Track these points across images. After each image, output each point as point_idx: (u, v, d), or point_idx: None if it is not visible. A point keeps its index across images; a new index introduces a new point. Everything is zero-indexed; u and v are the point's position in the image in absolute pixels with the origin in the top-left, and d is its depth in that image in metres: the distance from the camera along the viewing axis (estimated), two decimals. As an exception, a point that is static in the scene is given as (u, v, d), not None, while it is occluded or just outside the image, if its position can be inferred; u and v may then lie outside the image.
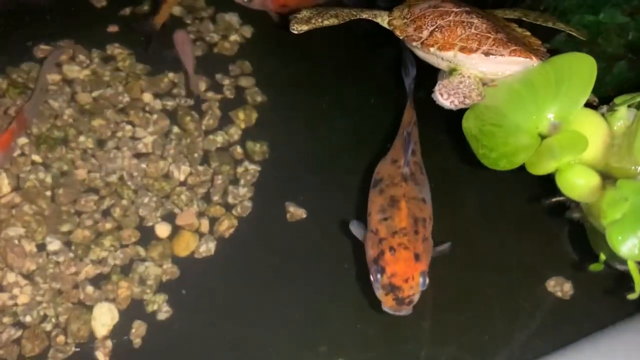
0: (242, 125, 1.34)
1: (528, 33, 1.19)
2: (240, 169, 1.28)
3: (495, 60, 1.09)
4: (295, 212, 1.23)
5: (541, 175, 1.05)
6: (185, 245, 1.19)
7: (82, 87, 1.35)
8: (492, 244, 1.21)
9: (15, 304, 1.10)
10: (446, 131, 1.30)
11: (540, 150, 1.04)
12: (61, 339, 1.08)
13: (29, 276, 1.13)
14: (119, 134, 1.30)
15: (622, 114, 1.02)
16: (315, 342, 1.10)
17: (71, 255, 1.15)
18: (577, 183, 1.00)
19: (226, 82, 1.40)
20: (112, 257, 1.16)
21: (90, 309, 1.11)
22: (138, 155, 1.28)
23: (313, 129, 1.36)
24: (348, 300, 1.13)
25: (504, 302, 1.14)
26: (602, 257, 1.02)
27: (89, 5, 1.50)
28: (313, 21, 1.19)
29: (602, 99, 1.10)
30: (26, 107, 1.27)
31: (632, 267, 0.93)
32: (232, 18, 1.50)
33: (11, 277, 1.12)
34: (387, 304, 0.93)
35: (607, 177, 1.01)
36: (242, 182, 1.27)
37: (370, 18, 1.23)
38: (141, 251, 1.18)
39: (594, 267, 1.04)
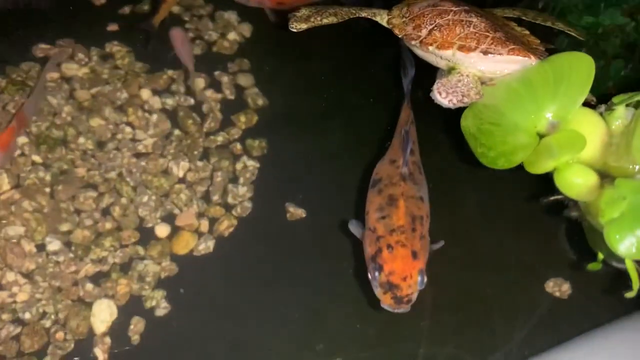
0: (243, 127, 1.35)
1: (527, 32, 1.19)
2: (239, 165, 1.28)
3: (494, 59, 1.09)
4: (295, 211, 1.23)
5: (539, 174, 1.05)
6: (185, 244, 1.19)
7: (81, 84, 1.35)
8: (490, 243, 1.21)
9: (15, 302, 1.10)
10: (444, 130, 1.30)
11: (539, 149, 1.04)
12: (60, 335, 1.08)
13: (28, 275, 1.13)
14: (119, 135, 1.30)
15: (620, 113, 1.03)
16: (314, 341, 1.10)
17: (71, 255, 1.16)
18: (575, 182, 1.01)
19: (225, 80, 1.40)
20: (112, 257, 1.16)
21: (89, 305, 1.11)
22: (138, 155, 1.28)
23: (312, 129, 1.36)
24: (347, 299, 1.14)
25: (503, 301, 1.14)
26: (600, 256, 1.02)
27: (89, 3, 1.50)
28: (312, 20, 1.19)
29: (600, 98, 1.10)
30: (26, 105, 1.27)
31: (629, 265, 0.93)
32: (231, 16, 1.51)
33: (10, 276, 1.13)
34: (386, 302, 0.93)
35: (605, 176, 1.01)
36: (241, 180, 1.27)
37: (369, 16, 1.23)
38: (140, 250, 1.18)
39: (592, 266, 1.04)
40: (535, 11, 1.30)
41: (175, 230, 1.20)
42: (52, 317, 1.10)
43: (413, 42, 1.15)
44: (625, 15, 1.24)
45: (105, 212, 1.21)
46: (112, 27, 1.46)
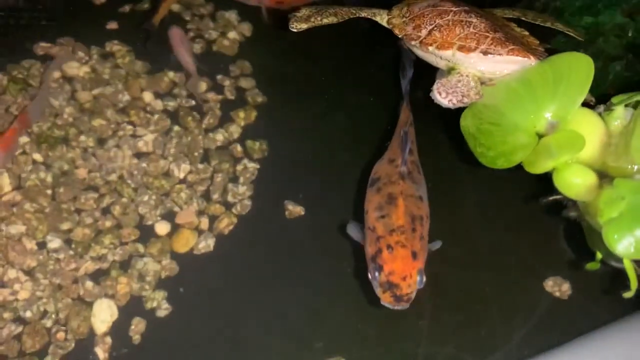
0: (242, 124, 1.35)
1: (526, 32, 1.20)
2: (239, 167, 1.29)
3: (494, 59, 1.09)
4: (294, 209, 1.23)
5: (539, 174, 1.05)
6: (185, 242, 1.19)
7: (82, 85, 1.35)
8: (489, 242, 1.21)
9: (16, 300, 1.11)
10: (444, 130, 1.30)
11: (538, 149, 1.04)
12: (61, 335, 1.08)
13: (29, 272, 1.14)
14: (120, 133, 1.30)
15: (619, 114, 1.03)
16: (314, 340, 1.10)
17: (71, 252, 1.16)
18: (574, 182, 1.01)
19: (226, 80, 1.40)
20: (112, 254, 1.17)
21: (90, 305, 1.11)
22: (138, 155, 1.28)
23: (312, 128, 1.36)
24: (347, 298, 1.14)
25: (502, 301, 1.14)
26: (599, 255, 1.03)
27: (89, 2, 1.50)
28: (312, 19, 1.19)
29: (599, 98, 1.11)
30: (30, 107, 1.27)
31: (628, 265, 0.94)
32: (232, 16, 1.51)
33: (12, 273, 1.13)
34: (386, 300, 0.93)
35: (604, 176, 1.01)
36: (241, 180, 1.27)
37: (369, 17, 1.24)
38: (140, 248, 1.18)
39: (591, 266, 1.04)
40: (534, 12, 1.30)
41: (175, 228, 1.21)
42: (53, 316, 1.10)
43: (413, 42, 1.15)
44: (624, 15, 1.25)
45: (106, 211, 1.21)
46: (112, 25, 1.46)
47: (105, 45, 1.42)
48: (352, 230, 1.08)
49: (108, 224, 1.20)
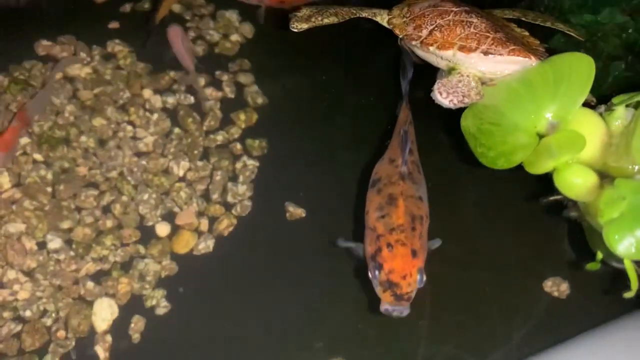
0: (243, 126, 1.35)
1: (527, 33, 1.20)
2: (239, 165, 1.29)
3: (494, 59, 1.09)
4: (295, 211, 1.23)
5: (539, 174, 1.05)
6: (185, 243, 1.19)
7: (84, 84, 1.36)
8: (489, 242, 1.21)
9: (16, 299, 1.11)
10: (444, 130, 1.30)
11: (539, 149, 1.04)
12: (61, 333, 1.08)
13: (29, 273, 1.14)
14: (120, 134, 1.30)
15: (620, 114, 1.03)
16: (314, 340, 1.10)
17: (72, 253, 1.16)
18: (575, 182, 1.01)
19: (225, 79, 1.40)
20: (113, 255, 1.17)
21: (90, 304, 1.11)
22: (139, 154, 1.29)
23: (312, 128, 1.36)
24: (347, 299, 1.14)
25: (502, 301, 1.14)
26: (599, 255, 1.03)
27: (90, 2, 1.50)
28: (313, 19, 1.19)
29: (600, 98, 1.11)
30: (28, 105, 1.27)
31: (628, 265, 0.94)
32: (232, 15, 1.51)
33: (11, 274, 1.13)
34: (386, 300, 0.93)
35: (605, 176, 1.01)
36: (241, 178, 1.27)
37: (369, 17, 1.24)
38: (141, 249, 1.18)
39: (591, 266, 1.04)
40: (535, 12, 1.30)
41: (176, 230, 1.21)
42: (53, 315, 1.10)
43: (414, 42, 1.15)
44: (624, 15, 1.25)
45: (106, 209, 1.22)
46: (114, 25, 1.46)
47: (107, 45, 1.42)
48: (343, 243, 1.08)
49: (109, 224, 1.20)
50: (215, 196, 1.25)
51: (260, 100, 1.38)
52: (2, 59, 1.37)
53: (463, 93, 1.09)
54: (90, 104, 1.33)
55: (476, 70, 1.11)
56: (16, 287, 1.12)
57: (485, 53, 1.09)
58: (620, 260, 0.95)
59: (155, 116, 1.33)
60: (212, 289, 1.15)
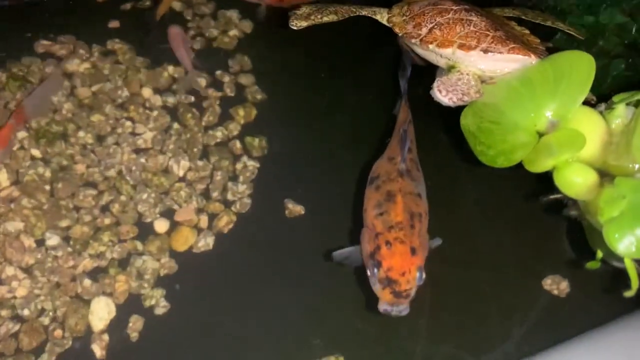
0: (242, 122, 1.34)
1: (527, 31, 1.20)
2: (239, 165, 1.28)
3: (494, 57, 1.09)
4: (294, 208, 1.23)
5: (539, 172, 1.05)
6: (184, 240, 1.19)
7: (82, 80, 1.36)
8: (489, 241, 1.21)
9: (14, 297, 1.10)
10: (444, 128, 1.30)
11: (538, 147, 1.04)
12: (58, 332, 1.08)
13: (27, 270, 1.14)
14: (119, 130, 1.30)
15: (620, 112, 1.03)
16: (312, 339, 1.10)
17: (69, 250, 1.16)
18: (575, 181, 1.01)
19: (226, 78, 1.40)
20: (110, 252, 1.16)
21: (87, 303, 1.11)
22: (137, 151, 1.28)
23: (312, 126, 1.36)
24: (346, 297, 1.13)
25: (501, 299, 1.14)
26: (599, 254, 1.02)
27: (90, 0, 1.50)
28: (312, 17, 1.19)
29: (600, 97, 1.11)
30: (26, 101, 1.27)
31: (628, 264, 0.94)
32: (232, 14, 1.51)
33: (10, 270, 1.12)
34: (385, 298, 0.93)
35: (605, 175, 1.01)
36: (241, 178, 1.27)
37: (369, 15, 1.24)
38: (139, 246, 1.18)
39: (591, 265, 1.04)
40: (535, 11, 1.30)
41: (174, 226, 1.20)
42: (51, 314, 1.10)
43: (413, 41, 1.15)
44: (625, 15, 1.25)
45: (105, 208, 1.21)
46: (114, 23, 1.46)
47: (107, 43, 1.42)
48: (339, 256, 1.07)
49: (107, 221, 1.19)
50: (215, 194, 1.25)
51: (259, 97, 1.38)
52: (1, 56, 1.37)
53: (462, 91, 1.09)
54: (88, 102, 1.33)
55: (476, 68, 1.11)
56: (14, 283, 1.11)
57: (485, 51, 1.09)
58: (620, 259, 0.95)
59: (154, 112, 1.33)
60: (211, 287, 1.15)
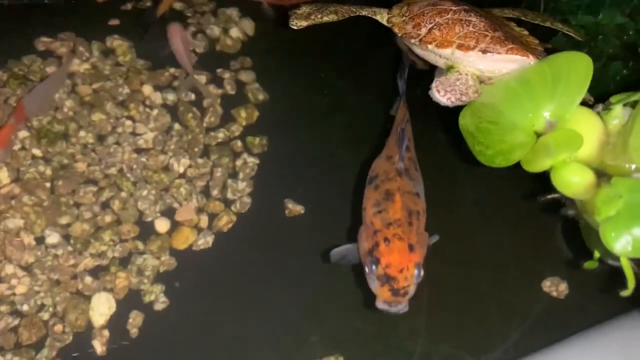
0: (244, 123, 1.35)
1: (526, 32, 1.20)
2: (239, 162, 1.29)
3: (493, 58, 1.09)
4: (294, 208, 1.23)
5: (537, 172, 1.05)
6: (184, 239, 1.20)
7: (82, 79, 1.36)
8: (487, 241, 1.22)
9: (13, 294, 1.11)
10: (443, 128, 1.31)
11: (536, 147, 1.04)
12: (59, 327, 1.09)
13: (27, 268, 1.14)
14: (119, 129, 1.31)
15: (618, 113, 1.03)
16: (311, 338, 1.11)
17: (70, 248, 1.16)
18: (572, 180, 1.01)
19: (227, 77, 1.41)
20: (112, 251, 1.17)
21: (88, 298, 1.12)
22: (138, 150, 1.29)
23: (312, 126, 1.37)
24: (345, 297, 1.14)
25: (500, 299, 1.15)
26: (597, 254, 1.02)
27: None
28: (312, 17, 1.19)
29: (599, 98, 1.11)
30: (25, 100, 1.27)
31: (625, 264, 0.93)
32: (233, 13, 1.51)
33: (9, 268, 1.13)
34: (383, 295, 0.93)
35: (602, 175, 1.01)
36: (241, 175, 1.27)
37: (369, 15, 1.24)
38: (140, 245, 1.18)
39: (588, 265, 1.04)
40: (534, 11, 1.30)
41: (175, 226, 1.21)
42: (51, 309, 1.10)
43: (412, 41, 1.16)
44: (624, 15, 1.25)
45: (105, 205, 1.22)
46: (114, 22, 1.47)
47: (107, 42, 1.43)
48: (336, 255, 1.07)
49: (107, 219, 1.20)
50: (215, 192, 1.25)
51: (261, 97, 1.39)
52: (2, 55, 1.38)
53: (461, 91, 1.09)
54: (89, 100, 1.33)
55: (474, 68, 1.11)
56: (14, 281, 1.12)
57: (484, 51, 1.09)
58: (617, 258, 0.95)
59: (155, 112, 1.33)
60: (211, 285, 1.15)
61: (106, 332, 1.09)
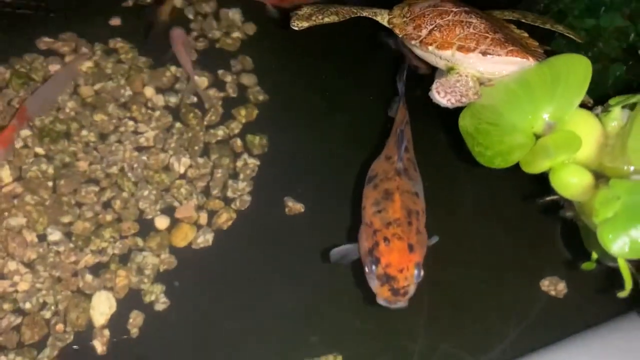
0: (244, 121, 1.35)
1: (526, 34, 1.21)
2: (239, 163, 1.29)
3: (493, 59, 1.10)
4: (294, 206, 1.24)
5: (536, 174, 1.06)
6: (184, 237, 1.20)
7: (85, 79, 1.36)
8: (487, 241, 1.22)
9: (16, 291, 1.11)
10: (443, 129, 1.31)
11: (535, 149, 1.05)
12: (60, 327, 1.09)
13: (29, 264, 1.15)
14: (122, 128, 1.31)
15: (616, 115, 1.04)
16: (310, 336, 1.11)
17: (71, 245, 1.17)
18: (571, 182, 1.01)
19: (228, 78, 1.41)
20: (112, 248, 1.17)
21: (89, 297, 1.12)
22: (139, 148, 1.29)
23: (312, 126, 1.37)
24: (345, 295, 1.14)
25: (499, 299, 1.15)
26: (594, 255, 1.03)
27: (93, -2, 1.51)
28: (313, 18, 1.20)
29: (599, 100, 1.11)
30: (28, 101, 1.28)
31: (622, 265, 0.94)
32: (235, 14, 1.51)
33: (12, 265, 1.14)
34: (383, 295, 0.93)
35: (600, 177, 1.02)
36: (241, 176, 1.28)
37: (370, 16, 1.24)
38: (140, 242, 1.19)
39: (587, 266, 1.05)
40: (535, 14, 1.31)
41: (175, 223, 1.21)
42: (52, 308, 1.11)
43: (413, 42, 1.16)
44: (625, 18, 1.25)
45: (106, 204, 1.22)
46: (115, 21, 1.47)
47: (109, 42, 1.43)
48: (336, 254, 1.07)
49: (108, 217, 1.20)
50: (215, 191, 1.26)
51: (261, 97, 1.39)
52: (4, 53, 1.38)
53: (461, 93, 1.10)
54: (91, 100, 1.34)
55: (474, 70, 1.12)
56: (16, 278, 1.12)
57: (484, 53, 1.09)
58: (614, 259, 0.96)
59: (157, 113, 1.34)
60: (211, 284, 1.15)
61: (107, 332, 1.09)
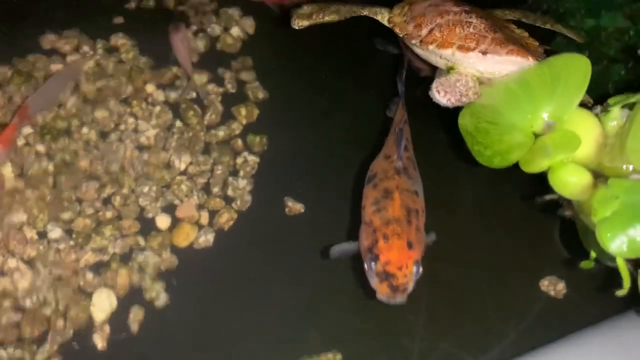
0: (244, 122, 1.36)
1: (526, 34, 1.21)
2: (239, 160, 1.30)
3: (493, 59, 1.10)
4: (294, 206, 1.24)
5: (535, 173, 1.06)
6: (185, 236, 1.20)
7: (86, 77, 1.37)
8: (486, 241, 1.22)
9: (16, 288, 1.12)
10: (442, 129, 1.31)
11: (534, 148, 1.05)
12: (60, 323, 1.09)
13: (29, 262, 1.15)
14: (122, 126, 1.32)
15: (616, 115, 1.04)
16: (310, 335, 1.11)
17: (72, 243, 1.17)
18: (569, 181, 1.02)
19: (228, 76, 1.41)
20: (112, 246, 1.18)
21: (89, 294, 1.12)
22: (140, 147, 1.30)
23: (312, 125, 1.37)
24: (345, 294, 1.15)
25: (498, 299, 1.15)
26: (593, 254, 1.03)
27: (95, -3, 1.52)
28: (314, 17, 1.20)
29: (599, 100, 1.11)
30: (30, 100, 1.28)
31: (620, 264, 0.94)
32: (235, 13, 1.52)
33: (12, 262, 1.14)
34: (382, 291, 0.94)
35: (599, 176, 1.02)
36: (241, 173, 1.28)
37: (370, 15, 1.24)
38: (141, 241, 1.19)
39: (585, 265, 1.05)
40: (535, 14, 1.31)
41: (176, 222, 1.22)
42: (52, 304, 1.11)
43: (413, 41, 1.16)
44: (625, 18, 1.25)
45: (107, 201, 1.23)
46: (118, 19, 1.47)
47: (111, 40, 1.43)
48: (336, 251, 1.08)
49: (109, 215, 1.21)
50: (215, 190, 1.26)
51: (261, 96, 1.39)
52: (6, 52, 1.38)
53: (461, 92, 1.10)
54: (93, 98, 1.34)
55: (474, 69, 1.12)
56: (17, 275, 1.13)
57: (484, 53, 1.10)
58: (613, 258, 0.96)
59: (157, 109, 1.34)
60: (212, 283, 1.16)
61: (107, 328, 1.10)
